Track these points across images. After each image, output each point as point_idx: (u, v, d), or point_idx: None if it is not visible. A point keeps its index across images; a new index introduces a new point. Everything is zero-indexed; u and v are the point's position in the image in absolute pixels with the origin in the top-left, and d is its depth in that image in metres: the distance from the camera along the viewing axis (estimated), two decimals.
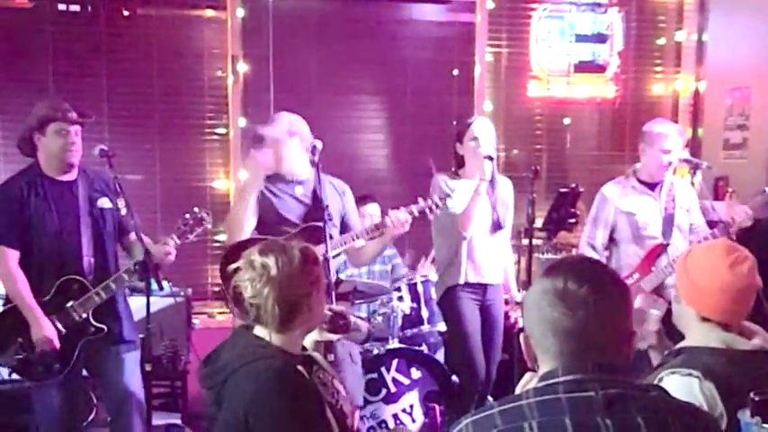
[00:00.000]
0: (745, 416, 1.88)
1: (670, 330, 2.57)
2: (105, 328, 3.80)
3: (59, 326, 3.71)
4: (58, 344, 3.67)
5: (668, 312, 2.57)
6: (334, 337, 2.69)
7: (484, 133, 4.42)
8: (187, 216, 3.92)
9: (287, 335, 2.34)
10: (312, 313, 2.37)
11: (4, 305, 3.86)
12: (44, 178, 3.77)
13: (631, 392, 1.62)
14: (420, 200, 4.10)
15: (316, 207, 4.06)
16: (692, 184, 4.76)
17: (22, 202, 3.71)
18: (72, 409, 3.88)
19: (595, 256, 4.49)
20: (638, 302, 3.07)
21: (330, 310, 2.66)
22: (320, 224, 3.86)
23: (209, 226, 3.99)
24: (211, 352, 2.47)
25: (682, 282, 2.37)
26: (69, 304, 3.74)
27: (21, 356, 3.69)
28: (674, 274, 2.52)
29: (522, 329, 1.79)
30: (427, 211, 4.09)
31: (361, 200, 5.34)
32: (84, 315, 3.75)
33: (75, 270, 3.76)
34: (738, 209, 4.32)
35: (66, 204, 3.79)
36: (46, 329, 3.65)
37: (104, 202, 3.89)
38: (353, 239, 4.06)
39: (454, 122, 6.17)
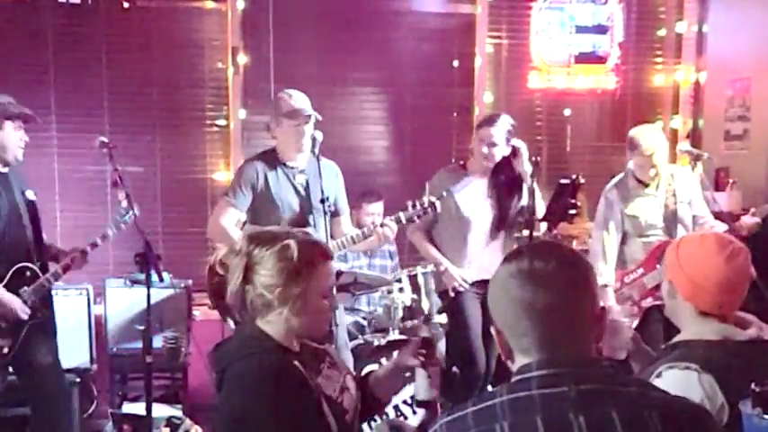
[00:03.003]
0: (746, 407, 1.88)
1: (667, 326, 2.56)
2: (46, 313, 4.02)
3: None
4: (27, 312, 3.87)
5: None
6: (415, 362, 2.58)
7: (494, 140, 4.40)
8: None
9: (294, 322, 2.32)
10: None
11: None
12: None
13: (606, 388, 1.57)
14: (409, 206, 4.13)
15: (311, 197, 4.12)
16: None
17: None
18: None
19: (610, 266, 4.49)
20: (611, 314, 3.06)
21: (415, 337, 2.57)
22: (309, 227, 3.97)
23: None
24: (226, 338, 2.48)
25: (678, 278, 2.35)
26: (23, 290, 3.90)
27: None
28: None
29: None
30: (415, 218, 4.16)
31: (365, 196, 5.35)
32: (35, 300, 3.92)
33: (24, 257, 3.91)
34: (750, 222, 4.32)
35: (8, 194, 3.93)
36: (11, 302, 3.83)
37: (31, 194, 4.05)
38: (339, 248, 4.09)
39: (454, 114, 6.18)
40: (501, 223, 4.50)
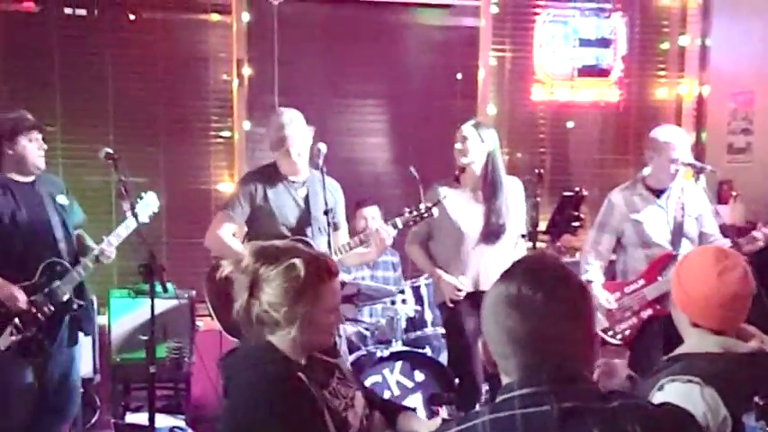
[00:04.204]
0: (750, 420, 1.88)
1: (667, 337, 2.55)
2: (84, 303, 4.21)
3: (48, 305, 4.02)
4: (24, 299, 3.96)
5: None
6: None
7: (463, 136, 4.45)
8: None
9: (298, 337, 2.34)
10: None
11: None
12: (8, 181, 4.07)
13: (588, 405, 1.55)
14: (405, 212, 4.18)
15: (310, 211, 4.16)
16: None
17: None
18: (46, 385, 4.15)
19: (599, 263, 4.50)
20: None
21: None
22: (308, 239, 4.03)
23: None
24: (235, 348, 2.50)
25: (675, 288, 2.38)
26: (56, 284, 4.05)
27: (15, 338, 3.95)
28: None
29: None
30: (411, 223, 4.22)
31: (358, 203, 5.37)
32: (68, 293, 4.08)
33: (53, 253, 4.08)
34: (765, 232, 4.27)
35: (33, 201, 4.10)
36: (6, 289, 3.94)
37: (62, 199, 4.23)
38: (336, 254, 4.09)
39: (458, 126, 6.18)
40: (491, 235, 4.47)
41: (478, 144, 4.43)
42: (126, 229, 4.16)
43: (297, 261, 2.28)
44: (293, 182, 4.22)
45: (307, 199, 4.22)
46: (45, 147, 4.11)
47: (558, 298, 1.59)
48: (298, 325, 2.28)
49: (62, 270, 4.08)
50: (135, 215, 4.06)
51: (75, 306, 4.13)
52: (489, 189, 4.46)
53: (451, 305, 4.47)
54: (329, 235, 4.00)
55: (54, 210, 4.16)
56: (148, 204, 4.42)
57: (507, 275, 1.65)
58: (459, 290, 4.40)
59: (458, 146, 4.46)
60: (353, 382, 2.54)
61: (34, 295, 4.00)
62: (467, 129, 4.47)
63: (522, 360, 1.59)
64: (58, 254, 4.09)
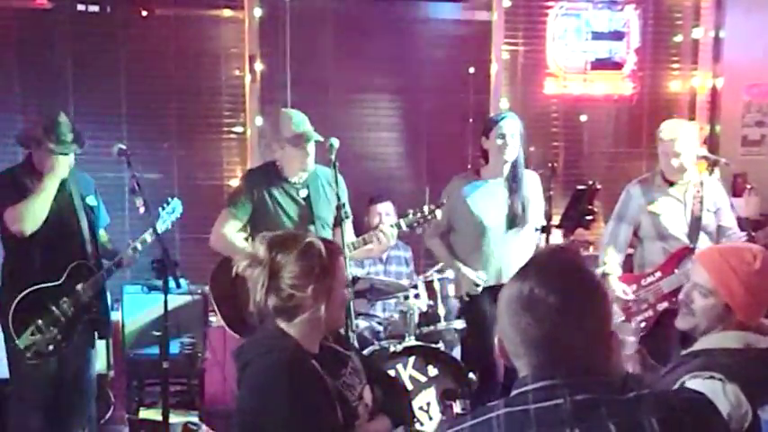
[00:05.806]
0: (765, 413, 1.87)
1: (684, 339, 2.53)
2: (101, 308, 4.26)
3: (72, 307, 4.08)
4: None
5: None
6: None
7: (511, 131, 4.40)
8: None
9: (308, 323, 2.37)
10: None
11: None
12: (41, 174, 4.05)
13: (603, 397, 1.54)
14: (410, 213, 4.20)
15: (312, 210, 4.20)
16: None
17: (25, 192, 4.01)
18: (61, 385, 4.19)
19: (617, 255, 4.48)
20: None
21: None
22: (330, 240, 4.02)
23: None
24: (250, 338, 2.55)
25: (745, 304, 2.30)
26: (80, 287, 4.10)
27: (35, 337, 3.99)
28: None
29: None
30: (415, 225, 4.22)
31: (372, 199, 5.37)
32: (90, 296, 4.13)
33: (80, 254, 4.13)
34: None
35: (63, 201, 4.12)
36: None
37: (91, 200, 4.30)
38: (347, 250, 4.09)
39: (470, 120, 6.18)
40: (514, 224, 4.49)
41: (518, 146, 4.42)
42: (150, 235, 4.15)
43: (313, 240, 2.38)
44: (294, 183, 4.24)
45: (308, 199, 4.24)
46: (63, 164, 4.06)
47: (571, 299, 1.57)
48: (325, 301, 2.36)
49: (88, 273, 4.13)
50: (154, 226, 4.09)
51: (94, 309, 4.19)
52: (516, 180, 4.49)
53: (467, 299, 4.47)
54: (342, 228, 4.01)
55: (83, 211, 4.20)
56: (174, 210, 4.45)
57: (521, 275, 1.64)
58: (477, 285, 4.40)
59: (499, 142, 4.40)
60: (363, 377, 2.57)
61: (61, 299, 4.06)
62: (510, 127, 4.41)
63: (535, 360, 1.58)
64: (85, 256, 4.15)
